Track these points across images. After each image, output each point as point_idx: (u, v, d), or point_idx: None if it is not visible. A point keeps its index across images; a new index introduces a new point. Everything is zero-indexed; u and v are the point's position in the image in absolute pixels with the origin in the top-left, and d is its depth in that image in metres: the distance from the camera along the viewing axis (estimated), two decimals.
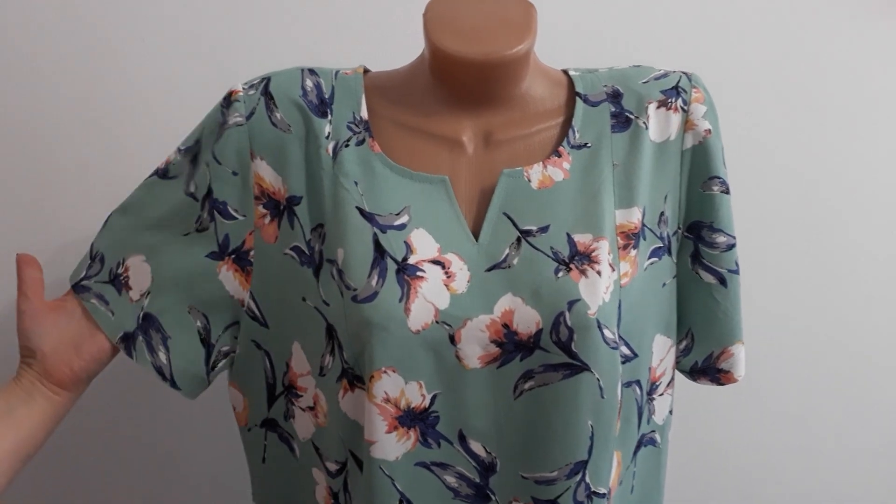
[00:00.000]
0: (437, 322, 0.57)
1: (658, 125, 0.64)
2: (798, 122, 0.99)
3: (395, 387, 0.57)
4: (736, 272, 0.66)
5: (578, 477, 0.58)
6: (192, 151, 0.65)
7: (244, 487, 0.73)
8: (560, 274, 0.57)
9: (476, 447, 0.59)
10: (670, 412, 0.69)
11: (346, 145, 0.62)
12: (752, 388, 1.03)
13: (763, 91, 0.98)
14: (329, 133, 0.62)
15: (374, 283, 0.57)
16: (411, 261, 0.58)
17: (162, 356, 0.64)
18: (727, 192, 0.65)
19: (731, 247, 0.66)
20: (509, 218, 0.60)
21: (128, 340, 0.64)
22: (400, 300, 0.56)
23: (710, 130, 0.64)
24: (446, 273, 0.58)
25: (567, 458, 0.58)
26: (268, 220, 0.63)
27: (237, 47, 0.89)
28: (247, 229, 0.64)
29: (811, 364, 1.06)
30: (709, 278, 0.66)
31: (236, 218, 0.63)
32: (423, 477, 0.59)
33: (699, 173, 0.65)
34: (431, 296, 0.57)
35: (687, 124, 0.64)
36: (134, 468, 0.99)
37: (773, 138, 0.99)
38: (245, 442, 0.70)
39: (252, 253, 0.64)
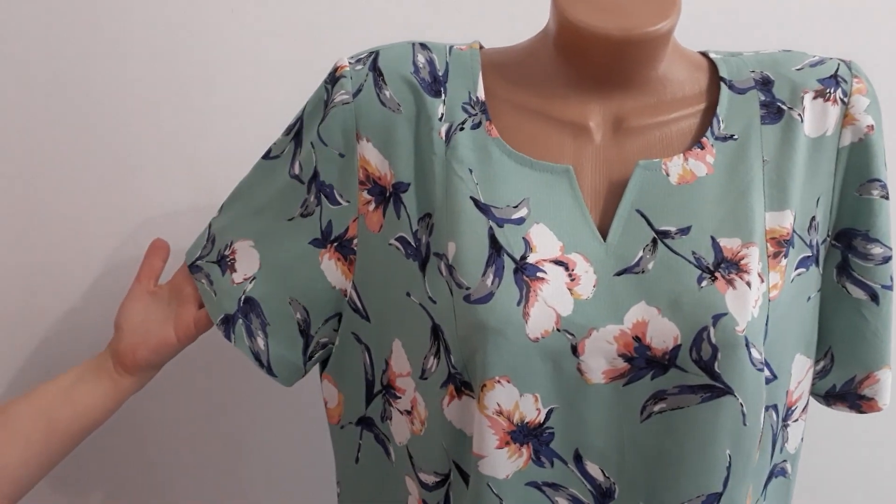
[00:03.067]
0: (558, 330, 0.51)
1: (814, 118, 0.56)
2: None
3: (509, 398, 0.51)
4: (890, 288, 0.59)
5: None
6: (294, 130, 0.61)
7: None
8: (704, 283, 0.51)
9: (593, 469, 0.53)
10: (802, 440, 0.61)
11: (461, 128, 0.56)
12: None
13: None
14: (443, 115, 0.57)
15: (489, 282, 0.51)
16: (531, 260, 0.52)
17: (260, 342, 0.60)
18: (887, 197, 0.57)
19: (888, 259, 0.58)
20: (643, 216, 0.53)
21: (227, 323, 0.61)
22: (518, 303, 0.51)
23: (872, 126, 0.56)
24: (570, 275, 0.52)
25: (699, 490, 0.51)
26: (372, 206, 0.58)
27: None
28: (351, 216, 0.59)
29: None
30: (858, 293, 0.58)
31: (341, 203, 0.58)
32: (533, 498, 0.53)
33: (857, 175, 0.57)
34: (553, 300, 0.51)
35: (846, 118, 0.56)
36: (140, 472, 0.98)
37: None
38: (335, 440, 0.65)
39: (356, 241, 0.59)
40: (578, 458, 0.53)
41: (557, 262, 0.52)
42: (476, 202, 0.54)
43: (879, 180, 0.57)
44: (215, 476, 0.98)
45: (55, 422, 0.61)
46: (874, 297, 0.58)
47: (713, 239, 0.52)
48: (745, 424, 0.51)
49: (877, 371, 0.60)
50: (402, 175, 0.57)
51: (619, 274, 0.52)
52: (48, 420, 0.61)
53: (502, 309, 0.50)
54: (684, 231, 0.53)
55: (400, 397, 0.59)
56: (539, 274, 0.51)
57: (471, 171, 0.55)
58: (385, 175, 0.57)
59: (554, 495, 0.53)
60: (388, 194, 0.57)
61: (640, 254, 0.52)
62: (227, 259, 0.62)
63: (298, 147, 0.60)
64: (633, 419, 0.52)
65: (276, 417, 0.96)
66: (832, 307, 0.59)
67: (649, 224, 0.53)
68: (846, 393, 0.61)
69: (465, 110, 0.57)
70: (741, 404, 0.50)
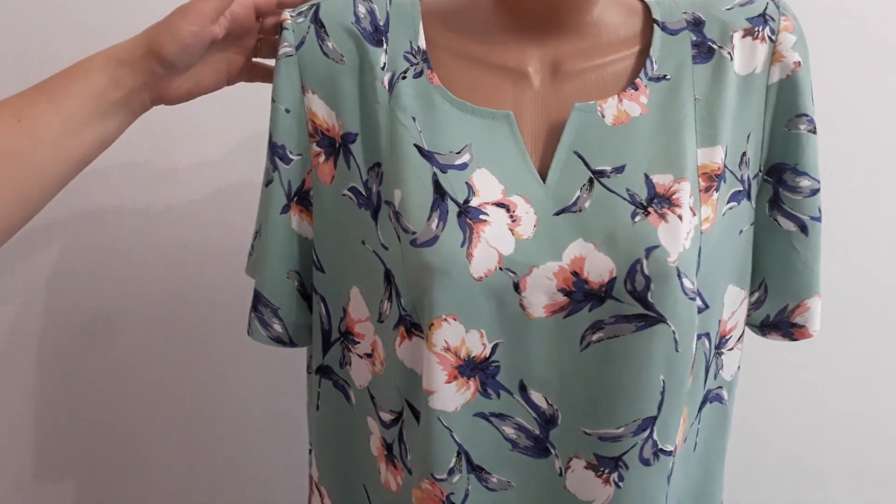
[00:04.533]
0: (500, 269, 0.53)
1: (743, 56, 0.58)
2: None
3: (455, 335, 0.54)
4: (818, 220, 0.61)
5: (646, 434, 0.55)
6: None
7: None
8: (637, 218, 0.53)
9: (537, 398, 0.56)
10: (738, 368, 0.65)
11: (404, 77, 0.57)
12: (819, 348, 0.97)
13: None
14: (385, 64, 0.58)
15: (434, 226, 0.53)
16: (473, 203, 0.54)
17: (277, 327, 0.64)
18: (814, 131, 0.60)
19: (816, 192, 0.61)
20: (580, 157, 0.55)
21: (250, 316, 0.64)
22: (462, 244, 0.53)
23: (799, 63, 0.58)
24: (511, 217, 0.54)
25: (635, 415, 0.55)
26: (322, 158, 0.59)
27: None
28: (304, 168, 0.60)
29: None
30: (788, 226, 0.61)
31: (293, 160, 0.60)
32: (481, 428, 0.56)
33: (785, 110, 0.59)
34: (495, 241, 0.53)
35: (774, 56, 0.58)
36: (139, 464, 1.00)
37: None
38: (307, 388, 0.69)
39: (311, 193, 0.61)
40: (523, 388, 0.56)
41: (499, 205, 0.54)
42: (420, 149, 0.55)
43: (807, 115, 0.59)
44: (201, 470, 1.01)
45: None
46: (804, 229, 0.61)
47: (646, 176, 0.54)
48: (677, 351, 0.54)
49: (808, 299, 0.63)
50: (350, 125, 0.58)
51: (557, 214, 0.54)
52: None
53: (447, 251, 0.53)
54: (619, 170, 0.55)
55: (359, 342, 0.62)
56: (482, 216, 0.54)
57: (414, 118, 0.56)
58: (333, 126, 0.59)
59: (501, 424, 0.56)
60: (337, 145, 0.59)
61: (578, 193, 0.55)
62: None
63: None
64: (574, 349, 0.55)
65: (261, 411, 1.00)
66: (764, 240, 0.62)
67: (586, 164, 0.55)
68: (779, 322, 0.65)
69: (407, 59, 0.58)
70: (673, 332, 0.53)
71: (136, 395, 0.97)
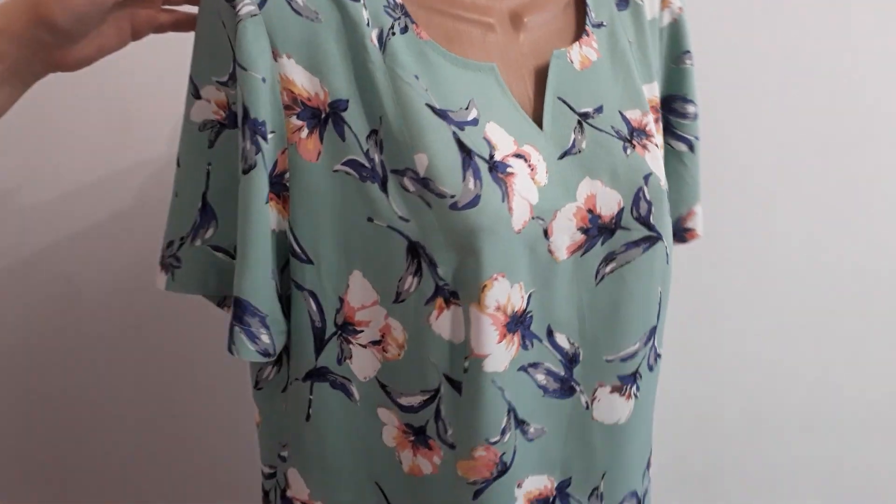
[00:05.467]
0: (533, 218, 0.54)
1: (649, 3, 0.66)
2: None
3: (504, 293, 0.53)
4: (699, 139, 0.74)
5: (650, 343, 0.61)
6: (195, 83, 0.53)
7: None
8: (628, 151, 0.58)
9: (561, 340, 0.58)
10: None
11: (393, 33, 0.53)
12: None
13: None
14: (368, 20, 0.52)
15: (471, 186, 0.51)
16: (497, 157, 0.53)
17: (265, 338, 0.54)
18: (693, 64, 0.71)
19: (697, 115, 0.73)
20: (564, 102, 0.58)
21: (229, 335, 0.53)
22: (502, 200, 0.52)
23: (681, 7, 0.68)
24: (529, 166, 0.55)
25: (644, 328, 0.61)
26: (305, 133, 0.52)
27: None
28: (278, 148, 0.52)
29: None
30: (680, 147, 0.72)
31: (268, 138, 0.52)
32: (522, 381, 0.57)
33: (674, 49, 0.69)
34: (524, 191, 0.54)
35: (664, 2, 0.68)
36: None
37: None
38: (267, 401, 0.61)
39: (286, 176, 0.52)
40: (550, 333, 0.58)
41: (517, 156, 0.54)
42: (433, 109, 0.52)
43: (689, 51, 0.70)
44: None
45: None
46: (691, 147, 0.73)
47: (620, 113, 0.60)
48: (667, 263, 0.61)
49: (695, 206, 0.76)
50: (339, 92, 0.52)
51: (561, 157, 0.57)
52: None
53: (491, 209, 0.51)
54: (599, 110, 0.59)
55: (362, 331, 0.56)
56: (508, 170, 0.53)
57: (417, 77, 0.52)
58: (317, 95, 0.52)
59: (535, 373, 0.58)
60: (323, 116, 0.52)
61: (573, 136, 0.57)
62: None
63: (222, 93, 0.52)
64: (590, 284, 0.58)
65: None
66: (665, 162, 0.73)
67: (571, 108, 0.58)
68: (677, 230, 0.76)
69: (388, 13, 0.53)
70: (666, 247, 0.60)
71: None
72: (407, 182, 0.52)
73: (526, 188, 0.54)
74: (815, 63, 0.99)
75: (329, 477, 0.61)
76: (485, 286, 0.52)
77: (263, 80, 0.50)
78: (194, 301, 0.99)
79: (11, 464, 0.99)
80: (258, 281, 0.53)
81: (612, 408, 0.61)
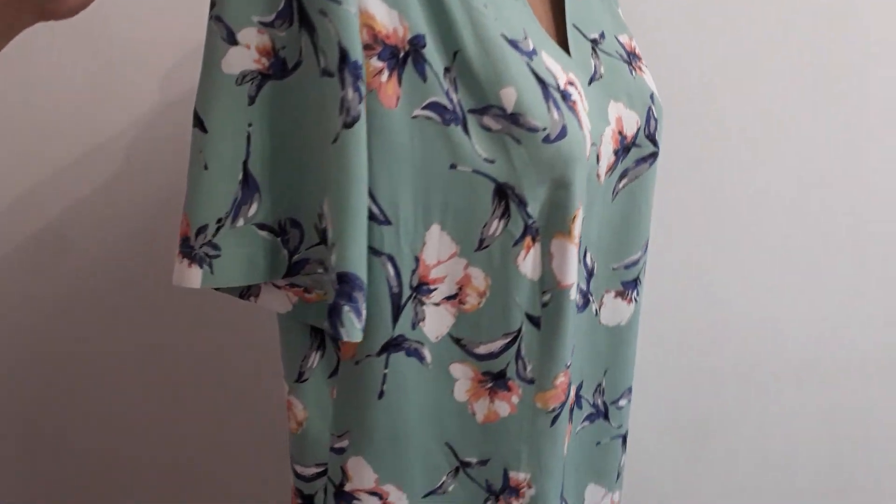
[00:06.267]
0: (593, 144, 0.55)
1: None
2: None
3: (580, 222, 0.54)
4: None
5: (646, 251, 0.67)
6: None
7: None
8: (633, 73, 0.61)
9: (588, 258, 0.61)
10: None
11: None
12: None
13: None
14: None
15: (556, 117, 0.50)
16: (562, 86, 0.53)
17: (365, 313, 0.48)
18: None
19: None
20: (578, 29, 0.59)
21: (331, 316, 0.45)
22: (580, 128, 0.52)
23: None
24: (578, 93, 0.55)
25: (644, 237, 0.66)
26: (385, 76, 0.45)
27: None
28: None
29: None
30: None
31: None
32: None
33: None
34: (585, 119, 0.54)
35: None
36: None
37: None
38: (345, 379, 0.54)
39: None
40: (585, 254, 0.60)
41: (570, 83, 0.54)
42: (506, 39, 0.49)
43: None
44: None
45: None
46: None
47: (616, 38, 0.62)
48: (654, 174, 0.67)
49: None
50: (418, 26, 0.46)
51: (590, 83, 0.58)
52: None
53: (577, 138, 0.51)
54: (602, 36, 0.61)
55: (436, 288, 0.53)
56: (572, 98, 0.53)
57: (485, 6, 0.49)
58: (395, 31, 0.45)
59: (576, 294, 0.60)
60: (402, 55, 0.46)
61: (593, 62, 0.59)
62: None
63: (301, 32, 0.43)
64: (608, 202, 0.61)
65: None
66: None
67: (583, 35, 0.59)
68: None
69: None
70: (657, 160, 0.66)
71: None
72: (489, 121, 0.49)
73: (584, 115, 0.54)
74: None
75: (401, 454, 0.56)
76: (574, 216, 0.52)
77: (355, 14, 0.43)
78: (194, 299, 0.91)
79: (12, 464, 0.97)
80: (363, 250, 0.46)
81: (615, 311, 0.65)
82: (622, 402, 0.68)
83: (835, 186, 0.97)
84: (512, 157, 0.50)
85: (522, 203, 0.51)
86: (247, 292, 0.52)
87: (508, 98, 0.49)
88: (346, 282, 0.46)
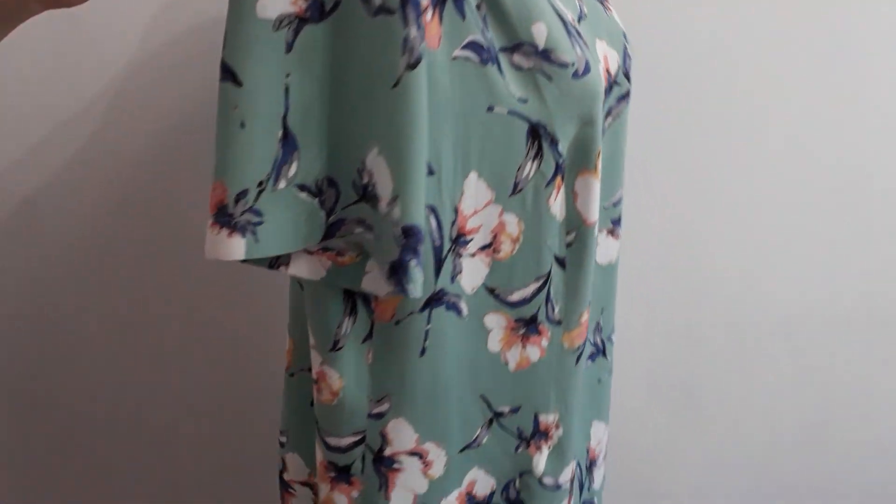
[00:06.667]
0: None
1: None
2: None
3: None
4: None
5: (622, 187, 0.70)
6: None
7: None
8: (607, 13, 0.63)
9: None
10: None
11: None
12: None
13: None
14: None
15: (579, 52, 0.51)
16: (573, 22, 0.53)
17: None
18: None
19: None
20: None
21: (396, 273, 0.43)
22: (597, 63, 0.53)
23: None
24: (576, 30, 0.55)
25: (622, 173, 0.68)
26: (430, 15, 0.43)
27: None
28: None
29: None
30: None
31: None
32: None
33: None
34: (594, 55, 0.55)
35: None
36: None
37: None
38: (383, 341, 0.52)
39: None
40: None
41: (573, 21, 0.54)
42: None
43: None
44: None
45: None
46: None
47: None
48: (628, 112, 0.69)
49: None
50: None
51: (579, 21, 0.58)
52: None
53: (597, 72, 0.52)
54: None
55: (471, 239, 0.52)
56: (583, 35, 0.53)
57: None
58: None
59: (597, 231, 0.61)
60: None
61: (576, 1, 0.59)
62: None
63: None
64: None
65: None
66: None
67: None
68: None
69: None
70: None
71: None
72: (520, 59, 0.48)
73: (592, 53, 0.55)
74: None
75: (440, 410, 0.55)
76: (598, 152, 0.53)
77: None
78: (193, 297, 0.89)
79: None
80: (423, 201, 0.44)
81: (607, 249, 0.68)
82: (613, 338, 0.71)
83: (819, 137, 0.95)
84: (544, 94, 0.49)
85: (554, 142, 0.51)
86: (276, 261, 0.48)
87: (540, 34, 0.48)
88: (411, 235, 0.44)
